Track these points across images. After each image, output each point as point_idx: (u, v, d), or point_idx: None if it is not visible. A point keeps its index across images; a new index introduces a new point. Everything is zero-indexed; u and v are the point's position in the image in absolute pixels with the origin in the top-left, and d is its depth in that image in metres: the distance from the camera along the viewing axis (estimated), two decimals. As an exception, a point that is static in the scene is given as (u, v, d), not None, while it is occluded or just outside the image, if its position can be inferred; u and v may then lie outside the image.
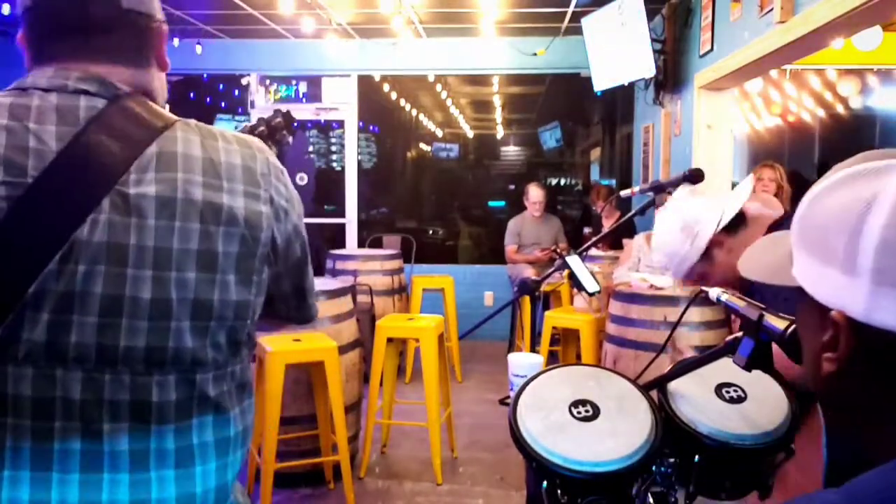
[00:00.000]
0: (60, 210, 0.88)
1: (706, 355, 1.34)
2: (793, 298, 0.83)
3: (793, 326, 1.09)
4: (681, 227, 1.79)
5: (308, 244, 1.14)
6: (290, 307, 1.14)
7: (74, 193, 0.88)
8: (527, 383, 1.41)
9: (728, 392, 1.42)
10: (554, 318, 4.53)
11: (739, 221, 1.79)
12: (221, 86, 7.40)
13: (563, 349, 4.73)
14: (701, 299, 1.40)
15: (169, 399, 0.92)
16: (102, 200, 0.89)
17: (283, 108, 1.51)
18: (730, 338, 1.26)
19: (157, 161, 0.93)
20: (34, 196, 0.87)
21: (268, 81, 7.12)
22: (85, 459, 0.89)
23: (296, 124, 1.47)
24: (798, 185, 5.05)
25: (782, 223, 1.77)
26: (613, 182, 7.82)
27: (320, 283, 3.65)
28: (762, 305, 1.19)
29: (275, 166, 1.06)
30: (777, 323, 1.12)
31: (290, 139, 1.47)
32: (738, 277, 1.76)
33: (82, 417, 0.89)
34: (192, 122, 1.01)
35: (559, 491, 1.24)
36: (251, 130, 1.41)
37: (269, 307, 1.08)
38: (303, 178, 7.33)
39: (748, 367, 1.18)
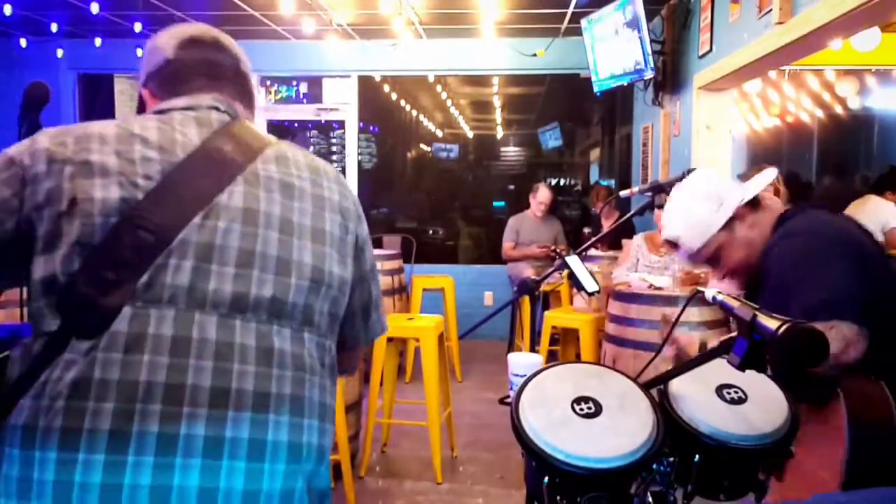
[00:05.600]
0: (203, 181, 1.07)
1: (703, 355, 1.36)
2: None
3: (785, 326, 1.10)
4: (704, 196, 1.80)
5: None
6: (357, 326, 1.27)
7: (214, 171, 1.08)
8: (529, 379, 1.42)
9: (729, 393, 1.43)
10: (553, 318, 4.54)
11: (757, 203, 1.82)
12: (222, 86, 7.39)
13: (563, 349, 4.74)
14: (698, 299, 1.41)
15: (286, 348, 1.07)
16: (237, 177, 1.09)
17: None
18: (724, 337, 1.27)
19: (275, 159, 1.16)
20: (183, 169, 1.06)
21: (268, 82, 7.13)
22: (213, 398, 0.98)
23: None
24: (795, 187, 5.04)
25: (790, 216, 1.78)
26: (613, 182, 7.82)
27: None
28: (756, 306, 1.20)
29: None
30: (770, 323, 1.13)
31: None
32: (756, 258, 1.78)
33: (215, 356, 1.00)
34: (284, 142, 1.23)
35: (560, 487, 1.25)
36: None
37: (340, 333, 1.21)
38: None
39: (741, 367, 1.19)
